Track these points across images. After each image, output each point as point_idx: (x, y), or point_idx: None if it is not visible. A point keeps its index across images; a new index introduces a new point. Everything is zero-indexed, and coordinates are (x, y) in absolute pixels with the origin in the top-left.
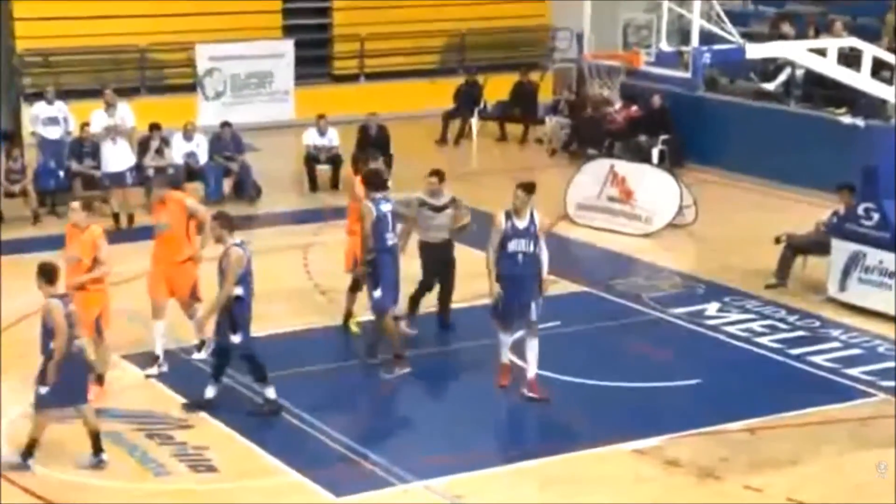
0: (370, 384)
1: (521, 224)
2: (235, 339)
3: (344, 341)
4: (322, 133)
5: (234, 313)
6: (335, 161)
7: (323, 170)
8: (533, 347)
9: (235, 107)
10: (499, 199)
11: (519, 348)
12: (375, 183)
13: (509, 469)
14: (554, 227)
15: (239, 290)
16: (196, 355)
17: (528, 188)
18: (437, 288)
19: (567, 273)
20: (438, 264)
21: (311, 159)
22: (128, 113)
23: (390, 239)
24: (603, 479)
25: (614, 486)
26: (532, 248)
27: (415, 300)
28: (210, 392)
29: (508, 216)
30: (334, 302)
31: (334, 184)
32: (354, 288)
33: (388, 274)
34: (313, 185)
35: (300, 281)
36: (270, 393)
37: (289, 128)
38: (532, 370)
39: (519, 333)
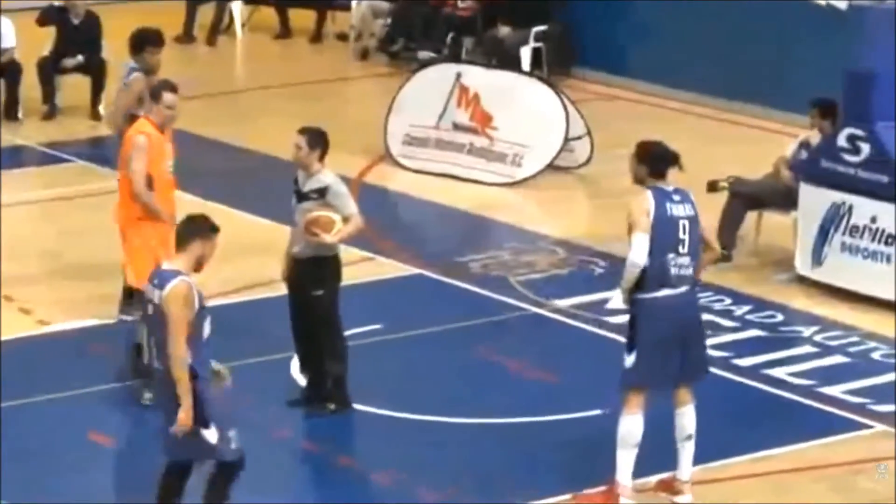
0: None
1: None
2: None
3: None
4: None
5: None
6: (11, 71)
7: None
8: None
9: None
10: (280, 134)
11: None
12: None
13: None
14: (366, 173)
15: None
16: None
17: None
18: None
19: (390, 246)
20: (294, 303)
21: None
22: None
23: None
24: None
25: None
26: (690, 264)
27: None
28: None
29: (664, 195)
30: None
31: (9, 108)
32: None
33: None
34: None
35: None
36: None
37: None
38: (685, 467)
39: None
